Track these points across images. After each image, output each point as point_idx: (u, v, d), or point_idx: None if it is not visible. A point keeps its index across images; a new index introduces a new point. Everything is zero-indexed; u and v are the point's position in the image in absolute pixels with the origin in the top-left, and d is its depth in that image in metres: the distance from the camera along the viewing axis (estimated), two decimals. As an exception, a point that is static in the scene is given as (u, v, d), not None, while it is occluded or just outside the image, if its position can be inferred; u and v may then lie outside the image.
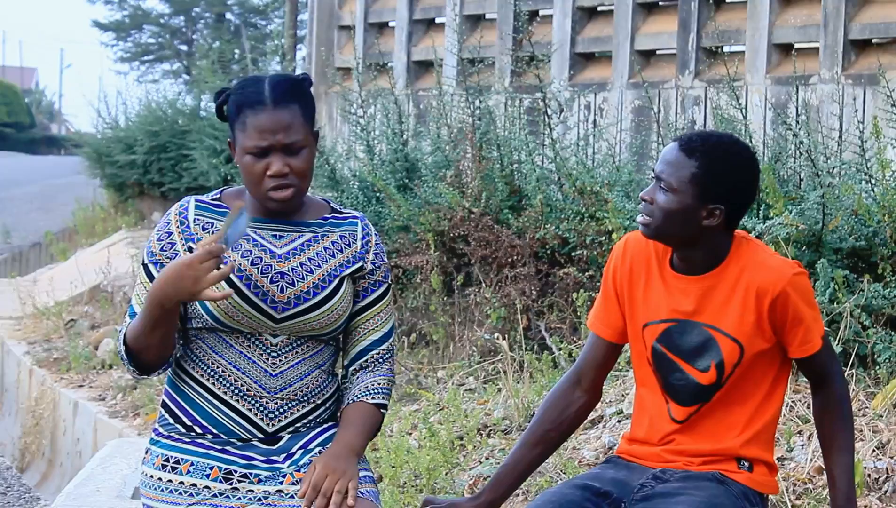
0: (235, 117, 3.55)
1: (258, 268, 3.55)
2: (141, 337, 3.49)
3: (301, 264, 3.58)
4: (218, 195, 3.66)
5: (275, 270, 3.56)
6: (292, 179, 3.52)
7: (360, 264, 3.66)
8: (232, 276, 3.51)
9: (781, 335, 3.53)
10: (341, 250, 3.64)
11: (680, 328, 3.58)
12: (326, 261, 3.61)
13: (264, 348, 3.57)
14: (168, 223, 3.60)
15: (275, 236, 3.61)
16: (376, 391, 3.65)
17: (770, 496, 3.69)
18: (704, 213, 3.49)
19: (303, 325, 3.55)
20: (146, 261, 3.59)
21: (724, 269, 3.54)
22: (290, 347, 3.59)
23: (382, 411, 3.66)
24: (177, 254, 3.56)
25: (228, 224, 3.39)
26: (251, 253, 3.56)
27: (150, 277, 3.56)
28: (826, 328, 5.67)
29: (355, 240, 3.67)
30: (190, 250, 3.55)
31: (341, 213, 3.70)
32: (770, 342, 3.54)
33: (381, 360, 3.68)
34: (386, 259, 3.72)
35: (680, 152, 3.50)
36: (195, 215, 3.61)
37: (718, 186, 3.48)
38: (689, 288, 3.57)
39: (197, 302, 3.53)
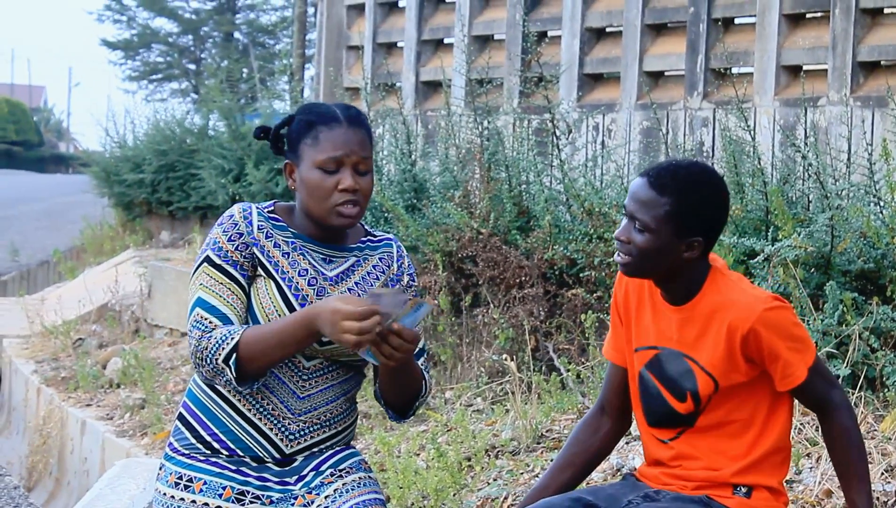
0: (305, 134, 3.59)
1: (314, 289, 3.57)
2: (269, 352, 3.47)
3: (349, 289, 3.62)
4: (272, 207, 3.68)
5: (327, 293, 3.58)
6: (359, 198, 3.57)
7: (397, 286, 3.72)
8: (289, 293, 3.54)
9: (763, 368, 3.54)
10: (383, 273, 3.70)
11: (665, 355, 3.60)
12: (372, 285, 3.66)
13: (296, 370, 3.59)
14: (236, 224, 3.59)
15: (324, 259, 3.64)
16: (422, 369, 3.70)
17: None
18: (683, 247, 3.49)
19: (344, 349, 3.56)
20: (217, 261, 3.56)
21: (699, 301, 3.55)
22: (322, 371, 3.61)
23: (424, 381, 3.69)
24: (250, 256, 3.56)
25: (405, 312, 3.39)
26: (307, 272, 3.59)
27: (227, 275, 3.55)
28: (834, 351, 5.73)
29: (392, 262, 3.74)
30: (253, 254, 3.57)
31: (375, 236, 3.76)
32: (748, 375, 3.53)
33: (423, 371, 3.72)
34: (416, 280, 3.78)
35: (651, 190, 3.48)
36: (259, 221, 3.62)
37: (694, 219, 3.48)
38: (673, 317, 3.59)
39: (249, 318, 3.56)
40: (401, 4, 11.61)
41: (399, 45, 11.53)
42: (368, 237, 3.74)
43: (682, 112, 8.66)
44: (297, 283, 3.57)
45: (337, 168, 3.56)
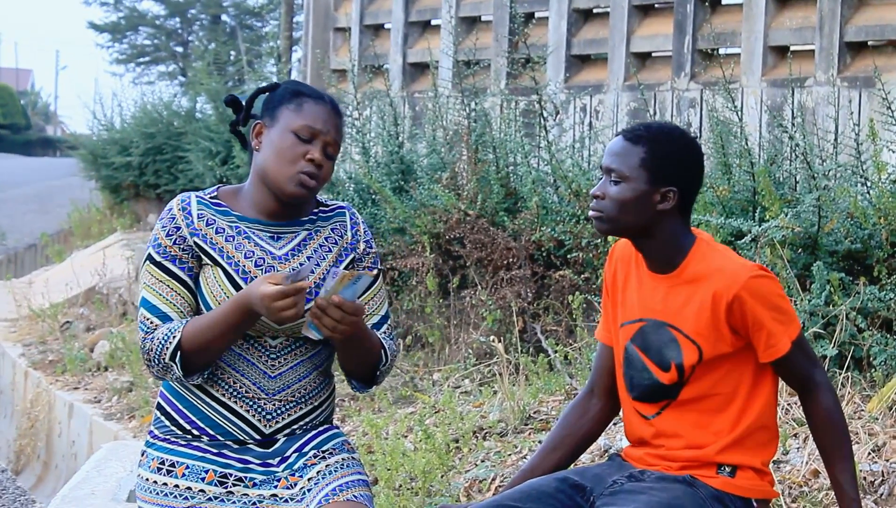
0: (289, 100, 3.61)
1: (262, 270, 3.57)
2: (210, 343, 3.49)
3: (301, 264, 3.60)
4: (215, 193, 3.67)
5: (277, 271, 3.56)
6: (320, 174, 3.58)
7: (351, 255, 3.70)
8: (237, 277, 3.54)
9: (748, 340, 3.54)
10: (335, 244, 3.69)
11: (650, 326, 3.61)
12: (324, 258, 3.64)
13: (263, 349, 3.58)
14: (173, 218, 3.59)
15: (272, 237, 3.62)
16: (383, 339, 3.69)
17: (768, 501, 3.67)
18: (658, 197, 3.53)
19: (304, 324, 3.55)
20: (159, 258, 3.57)
21: (683, 269, 3.56)
22: (289, 348, 3.61)
23: (382, 352, 3.68)
24: (190, 249, 3.56)
25: (343, 285, 3.39)
26: (254, 254, 3.58)
27: (167, 272, 3.56)
28: (821, 332, 5.73)
29: (346, 231, 3.72)
30: (196, 245, 3.57)
31: (327, 205, 3.75)
32: (733, 345, 3.54)
33: (384, 338, 3.71)
34: (374, 245, 3.77)
35: (626, 142, 3.56)
36: (198, 210, 3.61)
37: (668, 167, 3.53)
38: (658, 286, 3.60)
39: (200, 298, 3.57)
40: (388, -14, 11.58)
41: (386, 26, 11.50)
42: (320, 208, 3.73)
43: (669, 93, 8.65)
44: (245, 266, 3.56)
45: (310, 139, 3.58)
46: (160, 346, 3.50)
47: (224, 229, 3.60)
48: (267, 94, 3.70)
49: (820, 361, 3.65)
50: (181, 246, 3.57)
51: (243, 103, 3.76)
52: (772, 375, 3.61)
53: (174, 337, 3.49)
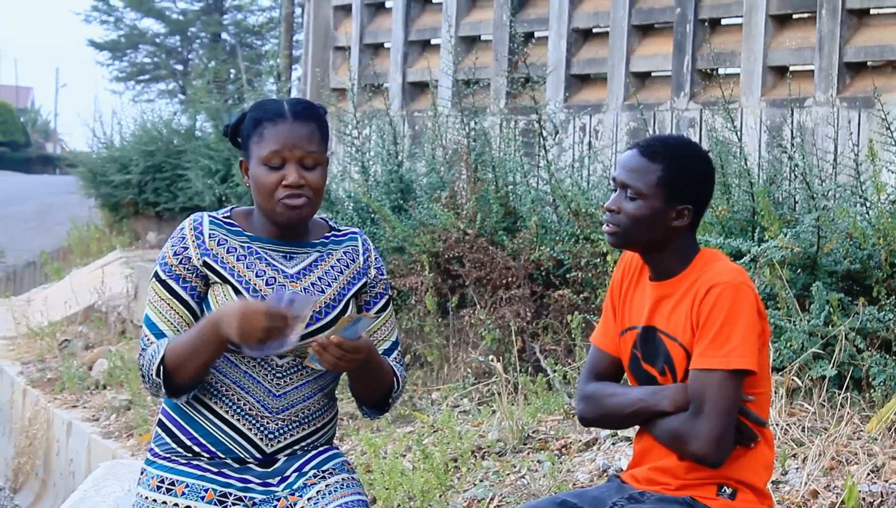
0: (252, 132, 3.59)
1: (273, 288, 3.57)
2: (187, 361, 3.48)
3: (312, 285, 3.61)
4: (229, 213, 3.68)
5: (287, 289, 3.56)
6: (306, 191, 3.56)
7: (363, 279, 3.71)
8: (247, 295, 3.54)
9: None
10: (346, 267, 3.69)
11: (645, 333, 3.63)
12: (335, 279, 3.65)
13: (270, 368, 3.58)
14: (183, 238, 3.60)
15: (284, 256, 3.63)
16: (394, 366, 3.69)
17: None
18: (674, 214, 3.55)
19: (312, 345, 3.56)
20: (164, 277, 3.58)
21: (683, 278, 3.58)
22: (296, 368, 3.61)
23: (395, 379, 3.68)
24: (195, 269, 3.56)
25: (342, 326, 3.41)
26: (265, 273, 3.58)
27: (170, 291, 3.56)
28: (820, 352, 5.73)
29: (357, 256, 3.72)
30: (205, 264, 3.57)
31: (340, 230, 3.75)
32: None
33: (395, 365, 3.72)
34: (385, 273, 3.78)
35: (642, 158, 3.56)
36: (210, 230, 3.61)
37: (685, 186, 3.55)
38: (654, 294, 3.62)
39: None
40: (387, 5, 11.60)
41: (386, 45, 11.52)
42: (333, 232, 3.74)
43: (668, 113, 8.65)
44: (255, 284, 3.57)
45: (281, 163, 3.56)
46: (149, 362, 3.53)
47: (236, 249, 3.60)
48: (239, 127, 3.67)
49: (724, 417, 3.47)
50: (186, 266, 3.57)
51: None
52: (762, 388, 3.59)
53: (159, 354, 3.51)
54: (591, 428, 5.97)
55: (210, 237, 3.60)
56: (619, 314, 3.72)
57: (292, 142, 3.55)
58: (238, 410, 3.58)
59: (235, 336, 3.40)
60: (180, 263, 3.58)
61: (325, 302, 3.61)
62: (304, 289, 3.58)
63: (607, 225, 3.60)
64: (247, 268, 3.57)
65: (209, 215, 3.65)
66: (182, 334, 3.52)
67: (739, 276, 3.51)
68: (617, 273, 3.76)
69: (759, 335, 3.51)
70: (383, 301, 3.73)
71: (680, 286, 3.57)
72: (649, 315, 3.61)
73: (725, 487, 3.55)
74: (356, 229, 3.77)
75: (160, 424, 3.68)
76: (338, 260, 3.69)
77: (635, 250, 3.63)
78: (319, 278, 3.63)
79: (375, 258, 3.75)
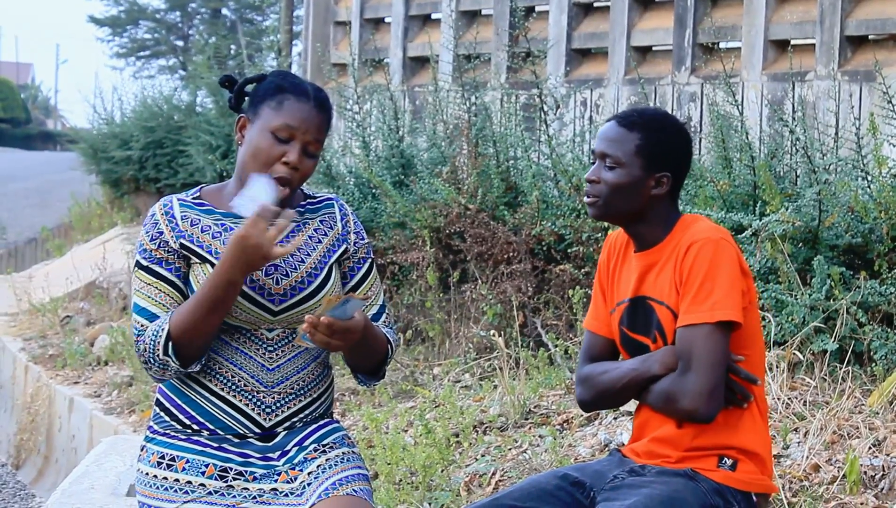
0: (272, 96, 3.57)
1: None
2: (199, 324, 3.46)
3: (291, 255, 3.60)
4: (198, 193, 3.67)
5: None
6: (295, 177, 3.55)
7: (343, 246, 3.69)
8: None
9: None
10: (325, 234, 3.68)
11: (633, 304, 3.65)
12: (314, 248, 3.64)
13: (261, 342, 3.58)
14: (156, 223, 3.59)
15: None
16: (386, 332, 3.68)
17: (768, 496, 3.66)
18: (653, 182, 3.60)
19: (300, 316, 3.56)
20: (146, 263, 3.57)
21: (665, 244, 3.61)
22: (287, 340, 3.60)
23: (388, 345, 3.67)
24: (174, 251, 3.55)
25: (331, 305, 3.38)
26: None
27: (155, 275, 3.55)
28: (821, 326, 5.73)
29: (335, 222, 3.71)
30: (182, 246, 3.56)
31: (315, 197, 3.74)
32: None
33: (386, 330, 3.71)
34: (366, 236, 3.76)
35: (621, 128, 3.62)
36: (181, 212, 3.60)
37: (663, 153, 3.60)
38: (640, 264, 3.65)
39: None
40: (388, -20, 11.57)
41: (387, 20, 11.49)
42: (308, 200, 3.72)
43: (669, 87, 8.64)
44: None
45: (288, 139, 3.55)
46: (152, 343, 3.49)
47: (210, 227, 3.59)
48: (254, 85, 3.67)
49: (712, 371, 3.47)
50: (166, 249, 3.56)
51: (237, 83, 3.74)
52: (757, 356, 3.59)
53: (163, 330, 3.48)
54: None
55: (182, 219, 3.59)
56: (608, 294, 3.74)
57: (307, 125, 3.55)
58: (233, 386, 3.58)
59: (243, 267, 3.41)
60: (159, 247, 3.56)
61: (306, 271, 3.60)
62: (285, 260, 3.58)
63: (588, 196, 3.65)
64: (223, 244, 3.55)
65: (178, 198, 3.63)
66: (183, 303, 3.50)
67: (718, 232, 3.54)
68: (603, 255, 3.79)
69: (744, 292, 3.52)
70: (367, 265, 3.72)
71: (664, 252, 3.59)
72: (636, 286, 3.63)
73: (726, 458, 3.55)
74: (332, 195, 3.75)
75: (158, 403, 3.67)
76: (315, 229, 3.67)
77: (617, 221, 3.67)
78: (299, 249, 3.61)
79: (354, 223, 3.73)
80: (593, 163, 3.66)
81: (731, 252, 3.51)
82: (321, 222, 3.69)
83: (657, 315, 3.58)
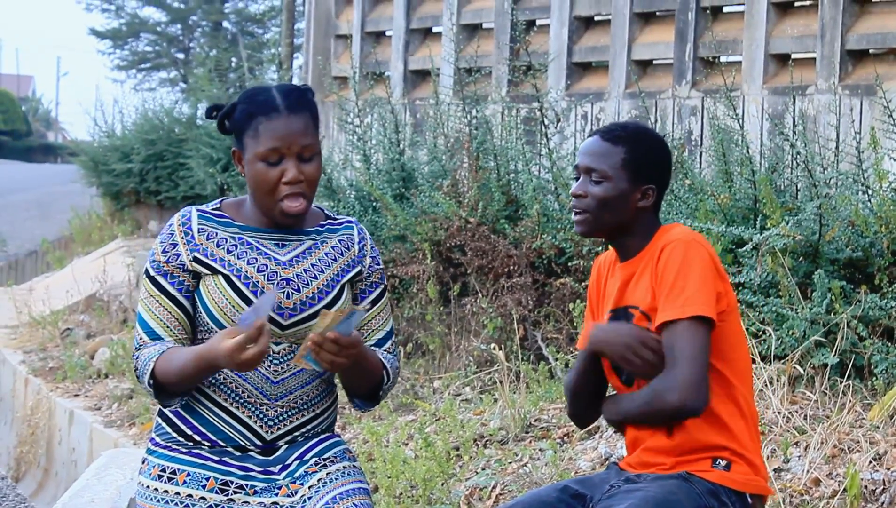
0: (246, 126, 3.56)
1: (264, 275, 3.56)
2: (182, 381, 3.50)
3: (305, 271, 3.61)
4: (218, 205, 3.67)
5: (280, 276, 3.58)
6: (304, 189, 3.56)
7: (358, 268, 3.70)
8: (239, 283, 3.54)
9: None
10: (341, 254, 3.68)
11: (615, 316, 3.66)
12: (329, 266, 3.64)
13: (267, 355, 3.58)
14: (172, 234, 3.60)
15: (277, 244, 3.62)
16: (385, 358, 3.68)
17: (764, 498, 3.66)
18: (639, 194, 3.64)
19: (307, 331, 3.55)
20: (153, 273, 3.59)
21: (647, 249, 3.64)
22: (292, 354, 3.61)
23: (384, 373, 3.67)
24: (183, 265, 3.56)
25: (336, 321, 3.39)
26: (256, 261, 3.58)
27: (159, 288, 3.57)
28: (822, 340, 5.73)
29: (353, 244, 3.71)
30: (196, 260, 3.56)
31: (336, 219, 3.74)
32: None
33: (387, 356, 3.71)
34: (381, 263, 3.77)
35: (605, 142, 3.67)
36: (199, 225, 3.61)
37: (648, 166, 3.66)
38: (622, 275, 3.68)
39: (202, 310, 3.57)
40: (389, -7, 11.59)
41: (387, 33, 11.51)
42: (329, 221, 3.73)
43: (670, 101, 8.65)
44: (246, 272, 3.56)
45: (279, 159, 3.54)
46: (143, 368, 3.55)
47: (226, 240, 3.60)
48: (229, 116, 3.63)
49: (693, 363, 3.47)
50: (175, 264, 3.58)
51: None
52: (741, 361, 3.60)
53: (150, 366, 3.52)
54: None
55: (199, 232, 3.59)
56: (597, 312, 3.77)
57: (290, 138, 3.53)
58: (237, 398, 3.59)
59: (228, 367, 3.44)
60: (168, 261, 3.58)
61: (318, 288, 3.60)
62: (297, 275, 3.58)
63: (575, 212, 3.68)
64: (238, 258, 3.56)
65: (198, 210, 3.63)
66: (174, 355, 3.51)
67: (691, 235, 3.57)
68: (593, 276, 3.82)
69: (721, 295, 3.53)
70: (379, 290, 3.72)
71: (643, 261, 3.63)
72: (618, 297, 3.66)
73: (720, 460, 3.56)
74: (352, 219, 3.76)
75: (160, 414, 3.68)
76: (332, 248, 3.68)
77: (603, 235, 3.70)
78: (312, 265, 3.62)
79: (371, 248, 3.73)
80: (576, 179, 3.68)
81: (703, 253, 3.54)
82: (339, 241, 3.70)
83: (634, 322, 3.59)
